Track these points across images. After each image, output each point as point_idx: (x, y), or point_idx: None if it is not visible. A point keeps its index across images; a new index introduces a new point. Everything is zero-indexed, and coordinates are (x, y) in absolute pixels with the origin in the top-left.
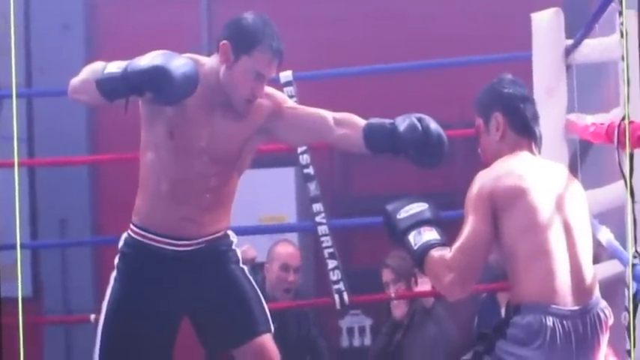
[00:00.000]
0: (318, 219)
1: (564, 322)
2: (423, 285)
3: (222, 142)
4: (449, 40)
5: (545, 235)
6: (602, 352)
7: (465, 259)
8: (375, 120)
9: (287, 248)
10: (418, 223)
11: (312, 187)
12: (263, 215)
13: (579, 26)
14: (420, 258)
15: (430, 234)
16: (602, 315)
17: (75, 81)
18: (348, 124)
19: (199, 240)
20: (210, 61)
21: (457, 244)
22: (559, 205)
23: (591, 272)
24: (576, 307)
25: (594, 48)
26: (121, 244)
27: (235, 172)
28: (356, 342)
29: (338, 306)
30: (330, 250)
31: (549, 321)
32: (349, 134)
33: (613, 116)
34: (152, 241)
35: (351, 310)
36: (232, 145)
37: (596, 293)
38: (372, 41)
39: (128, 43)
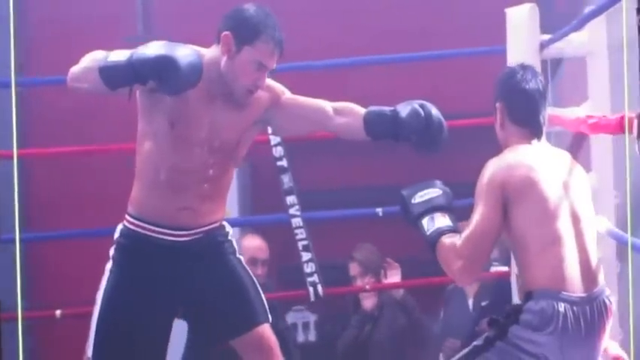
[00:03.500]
0: (291, 211)
1: (574, 308)
2: (393, 277)
3: (222, 133)
4: (421, 33)
5: (555, 224)
6: (606, 337)
7: (474, 247)
8: (375, 108)
9: (254, 242)
10: (431, 208)
11: (286, 180)
12: None
13: (547, 20)
14: (432, 243)
15: (442, 220)
16: (607, 302)
17: (75, 69)
18: (347, 112)
19: (197, 230)
20: (209, 52)
21: (467, 233)
22: (567, 195)
23: (596, 260)
24: (584, 294)
25: (568, 43)
26: (116, 235)
27: (232, 163)
28: (300, 338)
29: (312, 298)
30: (305, 242)
31: (561, 307)
32: (350, 122)
33: (585, 109)
34: (149, 231)
35: (294, 306)
36: (232, 136)
37: (601, 281)
38: (344, 34)
39: (59, 33)
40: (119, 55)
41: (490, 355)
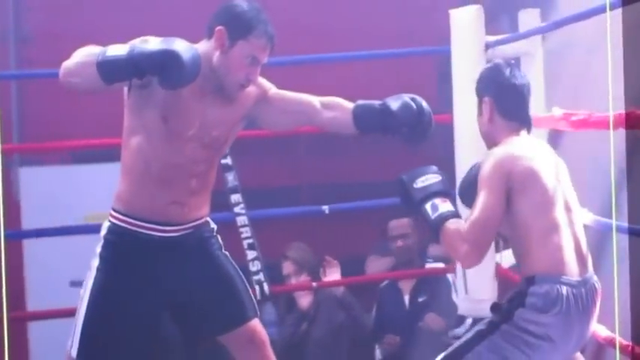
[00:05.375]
0: (236, 209)
1: (573, 290)
2: (332, 275)
3: (212, 129)
4: (368, 33)
5: (553, 212)
6: (596, 317)
7: (479, 232)
8: (363, 101)
9: None
10: (433, 193)
11: (231, 178)
12: (89, 213)
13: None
14: (436, 228)
15: (445, 205)
16: (596, 285)
17: (69, 63)
18: (335, 106)
19: (186, 225)
20: (200, 47)
21: (472, 218)
22: (560, 185)
23: (586, 247)
24: (580, 278)
25: (509, 45)
26: (103, 232)
27: (218, 157)
28: None
29: (259, 296)
30: (250, 240)
31: (563, 290)
32: (337, 116)
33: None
34: (138, 227)
35: None
36: (222, 132)
37: (591, 266)
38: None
39: None
40: (118, 50)
41: (495, 337)
